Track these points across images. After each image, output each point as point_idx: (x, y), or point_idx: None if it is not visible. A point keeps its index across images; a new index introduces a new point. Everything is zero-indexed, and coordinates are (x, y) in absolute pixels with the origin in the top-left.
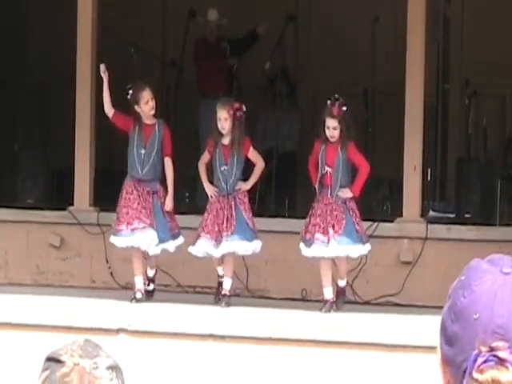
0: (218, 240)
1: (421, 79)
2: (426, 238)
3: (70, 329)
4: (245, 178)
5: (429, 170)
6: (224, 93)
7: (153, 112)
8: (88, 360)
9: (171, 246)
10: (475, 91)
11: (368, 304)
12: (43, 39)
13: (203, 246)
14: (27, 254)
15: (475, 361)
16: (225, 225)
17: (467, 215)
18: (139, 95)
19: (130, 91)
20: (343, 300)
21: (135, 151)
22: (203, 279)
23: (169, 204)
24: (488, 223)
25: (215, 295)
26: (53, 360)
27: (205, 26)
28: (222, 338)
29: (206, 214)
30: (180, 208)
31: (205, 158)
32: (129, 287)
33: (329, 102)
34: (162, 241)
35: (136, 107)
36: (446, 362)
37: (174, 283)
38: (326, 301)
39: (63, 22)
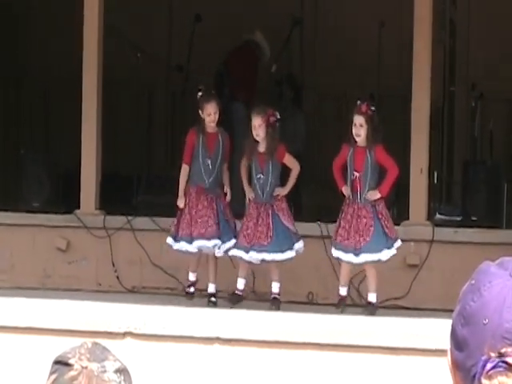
0: (255, 246)
1: (427, 82)
2: (432, 241)
3: (76, 332)
4: (282, 184)
5: (435, 173)
6: (253, 98)
7: (213, 124)
8: (96, 363)
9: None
10: (481, 94)
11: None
12: (48, 43)
13: (243, 255)
14: (33, 257)
15: (484, 366)
16: (264, 234)
17: (474, 218)
18: (204, 105)
19: (200, 93)
20: (371, 312)
21: (201, 161)
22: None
23: (228, 195)
24: (494, 226)
25: (230, 296)
26: (61, 363)
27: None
28: (228, 341)
29: (245, 221)
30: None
31: (244, 161)
32: (135, 290)
33: (359, 101)
34: (224, 242)
35: (200, 112)
36: (456, 366)
37: (179, 286)
38: (341, 298)
39: (69, 26)
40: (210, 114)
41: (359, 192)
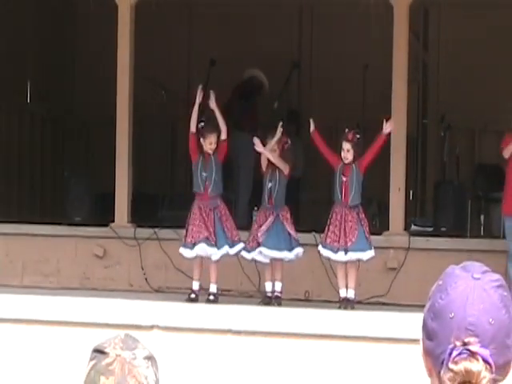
0: (256, 246)
1: (404, 115)
2: (408, 248)
3: (111, 325)
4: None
5: (411, 191)
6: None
7: (211, 151)
8: (128, 351)
9: (232, 250)
10: (449, 125)
11: (360, 303)
12: (88, 84)
13: (247, 255)
14: (76, 262)
15: (451, 353)
16: (264, 233)
17: (443, 229)
18: (206, 134)
19: (202, 123)
20: (351, 307)
21: (199, 175)
22: (223, 283)
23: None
24: (460, 235)
25: (263, 299)
26: (98, 351)
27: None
28: (239, 332)
29: (253, 228)
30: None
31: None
32: (161, 290)
33: (346, 129)
34: (220, 247)
35: (201, 139)
36: (427, 353)
37: None
38: (343, 299)
39: (105, 70)
40: (211, 142)
41: (345, 198)
